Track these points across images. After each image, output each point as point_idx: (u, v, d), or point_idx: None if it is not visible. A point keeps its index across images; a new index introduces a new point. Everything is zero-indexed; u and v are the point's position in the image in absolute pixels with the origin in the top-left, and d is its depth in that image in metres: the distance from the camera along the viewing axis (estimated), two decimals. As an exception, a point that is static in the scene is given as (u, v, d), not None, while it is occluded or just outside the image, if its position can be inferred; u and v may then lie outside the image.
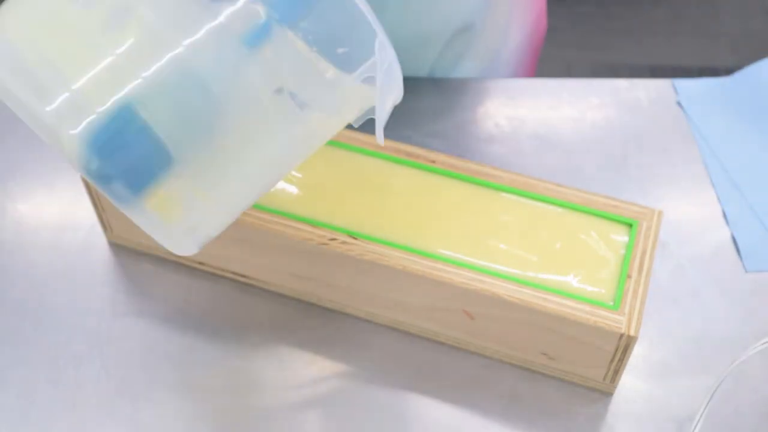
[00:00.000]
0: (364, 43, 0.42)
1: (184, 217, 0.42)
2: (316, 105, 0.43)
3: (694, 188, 0.63)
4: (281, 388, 0.52)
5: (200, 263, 0.57)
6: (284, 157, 0.45)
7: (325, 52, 0.42)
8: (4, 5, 0.40)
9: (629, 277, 0.49)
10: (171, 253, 0.57)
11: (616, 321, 0.47)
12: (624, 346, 0.48)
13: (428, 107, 0.68)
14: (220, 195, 0.43)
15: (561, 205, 0.53)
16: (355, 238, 0.50)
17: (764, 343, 0.50)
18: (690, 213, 0.61)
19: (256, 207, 0.52)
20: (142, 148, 0.39)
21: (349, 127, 0.46)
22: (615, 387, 0.51)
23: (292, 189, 0.53)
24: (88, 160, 0.38)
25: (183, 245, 0.43)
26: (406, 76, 0.71)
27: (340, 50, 0.43)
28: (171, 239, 0.42)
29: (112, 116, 0.38)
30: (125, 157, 0.39)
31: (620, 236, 0.51)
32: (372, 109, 0.45)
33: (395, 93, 0.45)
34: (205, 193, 0.42)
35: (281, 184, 0.53)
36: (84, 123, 0.38)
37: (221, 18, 0.39)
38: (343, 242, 0.50)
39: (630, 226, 0.52)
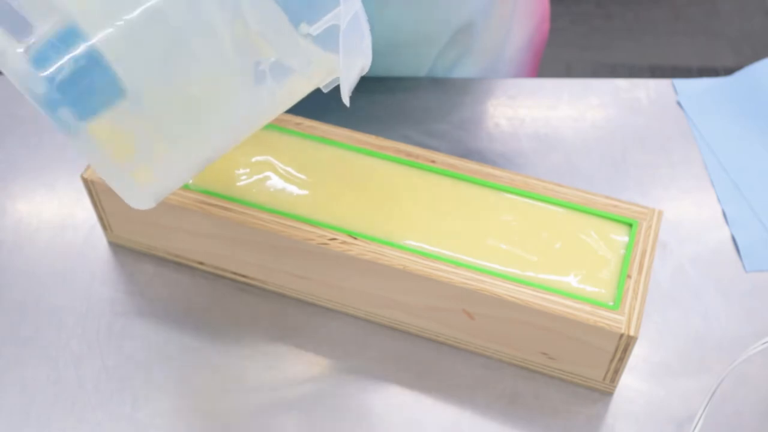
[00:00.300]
0: None
1: (136, 158, 0.41)
2: (279, 51, 0.42)
3: (694, 188, 0.63)
4: (281, 387, 0.52)
5: (200, 263, 0.57)
6: (245, 110, 0.44)
7: None
8: None
9: (629, 277, 0.49)
10: (171, 253, 0.57)
11: (616, 321, 0.47)
12: (624, 346, 0.48)
13: (428, 107, 0.68)
14: (175, 141, 0.42)
15: (561, 205, 0.53)
16: (355, 238, 0.50)
17: (764, 343, 0.50)
18: (690, 213, 0.61)
19: (256, 207, 0.52)
20: (91, 74, 0.38)
21: (318, 95, 0.45)
22: (615, 387, 0.51)
23: (292, 189, 0.53)
24: (34, 82, 0.38)
25: (137, 195, 0.42)
26: (406, 76, 0.71)
27: None
28: (124, 184, 0.41)
29: (62, 38, 0.38)
30: (74, 82, 0.38)
31: (620, 236, 0.51)
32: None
33: (362, 48, 0.43)
34: (159, 134, 0.41)
35: (281, 184, 0.53)
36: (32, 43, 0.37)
37: None
38: (343, 242, 0.50)
39: (630, 226, 0.52)
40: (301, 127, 0.56)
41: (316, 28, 0.42)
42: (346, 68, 0.43)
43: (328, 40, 0.42)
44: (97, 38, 0.38)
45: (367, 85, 0.69)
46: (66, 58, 0.38)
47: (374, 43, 0.66)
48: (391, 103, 0.68)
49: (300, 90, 0.46)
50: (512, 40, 0.75)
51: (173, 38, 0.40)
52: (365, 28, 0.42)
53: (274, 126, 0.56)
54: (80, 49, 0.38)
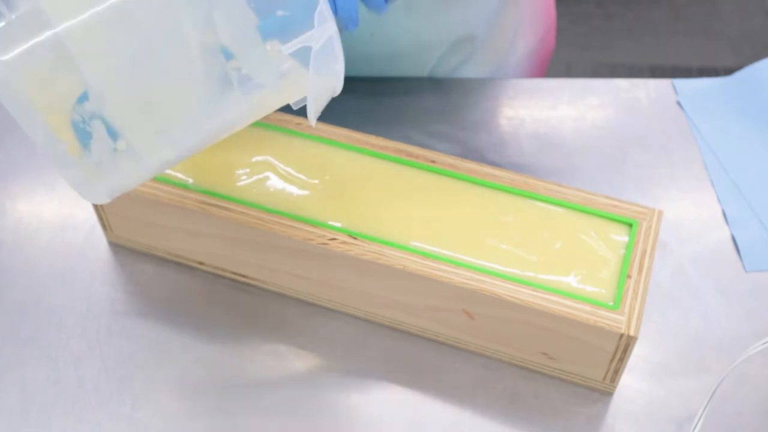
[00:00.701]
0: (306, 11, 0.41)
1: (92, 154, 0.41)
2: (248, 66, 0.42)
3: (694, 188, 0.63)
4: (281, 387, 0.52)
5: (200, 263, 0.57)
6: (209, 118, 0.44)
7: (263, 11, 0.42)
8: None
9: (629, 277, 0.49)
10: (171, 253, 0.57)
11: (616, 321, 0.47)
12: (624, 346, 0.48)
13: (429, 107, 0.68)
14: (133, 142, 0.42)
15: (561, 205, 0.53)
16: (355, 238, 0.50)
17: (764, 343, 0.50)
18: (690, 213, 0.61)
19: (256, 207, 0.52)
20: (55, 66, 0.38)
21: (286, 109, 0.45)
22: (615, 387, 0.51)
23: (292, 189, 0.53)
24: None
25: (90, 189, 0.42)
26: (406, 77, 0.71)
27: (280, 12, 0.42)
28: (76, 178, 0.41)
29: (28, 25, 0.38)
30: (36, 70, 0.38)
31: (620, 236, 0.51)
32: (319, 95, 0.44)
33: (334, 74, 0.43)
34: (119, 133, 0.41)
35: (281, 184, 0.53)
36: None
37: None
38: (343, 242, 0.50)
39: (630, 226, 0.52)
40: (301, 127, 0.56)
41: (288, 48, 0.42)
42: (314, 90, 0.43)
43: (304, 57, 0.42)
44: (62, 28, 0.38)
45: (367, 85, 0.69)
46: (29, 44, 0.38)
47: (374, 50, 0.66)
48: (391, 103, 0.68)
49: (269, 104, 0.45)
50: (516, 49, 0.75)
51: (141, 41, 0.40)
52: (338, 51, 0.42)
53: (274, 126, 0.56)
54: (44, 38, 0.38)
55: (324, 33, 0.41)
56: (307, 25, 0.41)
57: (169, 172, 0.54)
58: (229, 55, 0.42)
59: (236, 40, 0.42)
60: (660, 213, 0.52)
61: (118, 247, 0.59)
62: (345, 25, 0.47)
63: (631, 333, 0.47)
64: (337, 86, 0.44)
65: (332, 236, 0.50)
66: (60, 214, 0.61)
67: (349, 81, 0.70)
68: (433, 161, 0.54)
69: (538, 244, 0.51)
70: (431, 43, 0.68)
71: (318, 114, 0.45)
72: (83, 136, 0.41)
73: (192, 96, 0.42)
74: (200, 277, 0.57)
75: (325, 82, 0.43)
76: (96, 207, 0.56)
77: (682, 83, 0.69)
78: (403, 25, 0.65)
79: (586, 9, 1.85)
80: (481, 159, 0.63)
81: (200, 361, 0.53)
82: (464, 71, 0.72)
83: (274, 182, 0.53)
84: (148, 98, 0.41)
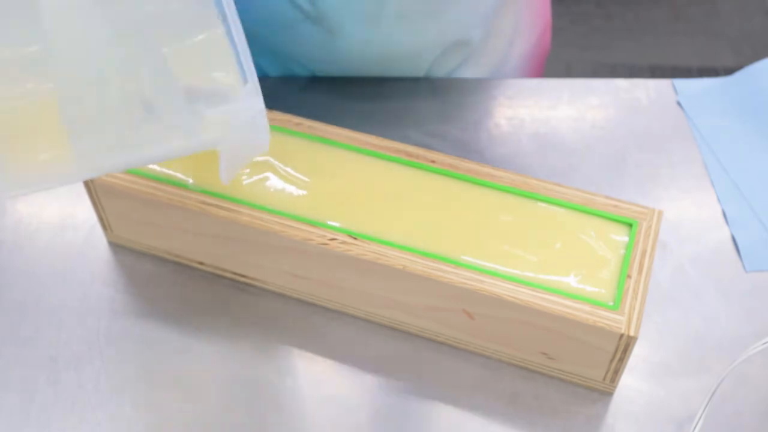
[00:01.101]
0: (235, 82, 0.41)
1: None
2: (166, 119, 0.43)
3: (694, 188, 0.63)
4: (281, 387, 0.52)
5: (200, 263, 0.57)
6: (121, 149, 0.44)
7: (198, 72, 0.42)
8: None
9: (629, 277, 0.49)
10: (171, 253, 0.57)
11: (616, 321, 0.47)
12: (624, 346, 0.48)
13: (428, 107, 0.68)
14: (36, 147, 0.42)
15: (561, 205, 0.53)
16: (355, 238, 0.50)
17: (764, 343, 0.50)
18: (690, 213, 0.61)
19: (256, 207, 0.52)
20: None
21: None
22: (615, 387, 0.51)
23: (292, 189, 0.53)
24: None
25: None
26: (406, 77, 0.71)
27: (216, 74, 0.43)
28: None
29: None
30: None
31: (620, 236, 0.51)
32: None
33: (256, 144, 0.44)
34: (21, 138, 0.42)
35: (281, 184, 0.53)
36: None
37: None
38: (343, 242, 0.50)
39: (630, 226, 0.52)
40: (301, 127, 0.56)
41: (212, 113, 0.42)
42: (231, 157, 0.44)
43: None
44: None
45: (367, 86, 0.69)
46: None
47: (368, 55, 0.67)
48: (391, 103, 0.68)
49: (185, 149, 0.45)
50: (513, 52, 0.75)
51: (64, 76, 0.40)
52: (263, 125, 0.42)
53: (273, 126, 0.56)
54: None
55: (250, 109, 0.42)
56: (232, 94, 0.42)
57: (169, 172, 0.54)
58: (149, 108, 0.42)
59: (159, 97, 0.42)
60: (660, 213, 0.52)
61: (118, 247, 0.59)
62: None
63: (631, 333, 0.47)
64: (258, 154, 0.44)
65: (332, 236, 0.50)
66: (60, 214, 0.61)
67: (349, 81, 0.70)
68: (432, 161, 0.54)
69: (538, 244, 0.51)
70: (425, 47, 0.69)
71: (235, 173, 0.45)
72: None
73: (105, 126, 0.42)
74: (200, 277, 0.57)
75: (245, 150, 0.44)
76: (96, 207, 0.56)
77: (682, 83, 0.69)
78: (397, 31, 0.65)
79: (586, 9, 1.85)
80: (481, 159, 0.63)
81: (200, 361, 0.53)
82: (461, 73, 0.72)
83: (274, 182, 0.53)
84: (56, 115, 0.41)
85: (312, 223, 0.51)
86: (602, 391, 0.52)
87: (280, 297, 0.56)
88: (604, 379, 0.51)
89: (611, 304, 0.48)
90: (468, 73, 0.73)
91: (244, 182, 0.53)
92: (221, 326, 0.55)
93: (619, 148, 0.65)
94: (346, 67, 0.69)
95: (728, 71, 0.72)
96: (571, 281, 0.49)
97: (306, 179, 0.54)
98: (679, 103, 0.68)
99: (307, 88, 0.69)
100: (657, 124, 0.67)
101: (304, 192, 0.53)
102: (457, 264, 0.49)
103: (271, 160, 0.54)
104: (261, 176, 0.54)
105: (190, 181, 0.53)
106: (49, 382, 0.52)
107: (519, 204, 0.53)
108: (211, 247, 0.55)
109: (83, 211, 0.60)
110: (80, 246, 0.59)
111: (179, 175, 0.54)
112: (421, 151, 0.55)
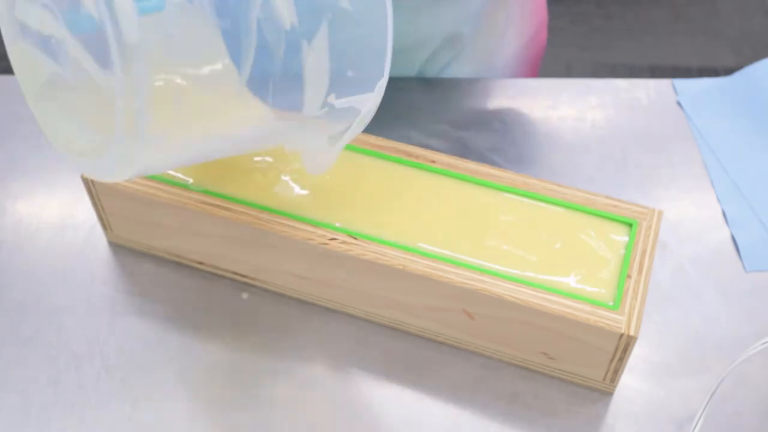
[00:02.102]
0: (371, 78, 0.44)
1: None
2: (286, 134, 0.45)
3: (694, 188, 0.63)
4: (281, 388, 0.52)
5: (200, 263, 0.57)
6: (226, 132, 0.45)
7: (336, 69, 0.44)
8: None
9: (629, 277, 0.49)
10: (171, 253, 0.57)
11: (616, 321, 0.47)
12: (624, 346, 0.48)
13: (428, 107, 0.68)
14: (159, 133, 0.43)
15: (561, 205, 0.53)
16: (355, 238, 0.50)
17: (764, 343, 0.50)
18: (690, 213, 0.61)
19: (256, 207, 0.52)
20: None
21: None
22: (615, 387, 0.51)
23: (293, 189, 0.53)
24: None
25: (110, 167, 0.42)
26: (406, 77, 0.71)
27: (350, 73, 0.45)
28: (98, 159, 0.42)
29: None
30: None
31: (620, 236, 0.51)
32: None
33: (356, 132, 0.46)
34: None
35: (281, 184, 0.53)
36: None
37: None
38: (343, 242, 0.50)
39: (630, 226, 0.52)
40: (301, 127, 0.56)
41: (340, 102, 0.44)
42: (338, 146, 0.46)
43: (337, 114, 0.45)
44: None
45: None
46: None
47: None
48: (391, 103, 0.68)
49: (288, 136, 0.47)
50: (506, 47, 0.75)
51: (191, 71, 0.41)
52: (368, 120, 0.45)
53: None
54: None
55: (376, 101, 0.44)
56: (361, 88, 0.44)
57: (169, 171, 0.54)
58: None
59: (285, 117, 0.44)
60: (660, 213, 0.52)
61: (118, 247, 0.59)
62: None
63: (631, 333, 0.47)
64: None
65: (332, 236, 0.50)
66: (60, 214, 0.61)
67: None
68: (432, 161, 0.54)
69: (538, 244, 0.51)
70: (420, 42, 0.69)
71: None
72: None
73: (228, 116, 0.44)
74: (200, 277, 0.57)
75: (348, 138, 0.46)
76: (96, 207, 0.56)
77: (682, 83, 0.69)
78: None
79: (586, 9, 1.85)
80: (481, 159, 0.63)
81: (200, 361, 0.53)
82: (453, 70, 0.72)
83: (275, 182, 0.53)
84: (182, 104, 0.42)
85: (312, 223, 0.51)
86: (602, 391, 0.52)
87: (280, 297, 0.56)
88: (604, 379, 0.51)
89: (611, 304, 0.48)
90: (459, 69, 0.72)
91: (245, 182, 0.53)
92: (221, 326, 0.55)
93: (619, 148, 0.65)
94: None
95: (728, 71, 0.72)
96: (571, 281, 0.49)
97: (306, 179, 0.54)
98: (679, 103, 0.68)
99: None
100: (657, 124, 0.67)
101: (304, 192, 0.53)
102: (457, 264, 0.49)
103: (272, 160, 0.54)
104: (261, 176, 0.54)
105: (190, 181, 0.53)
106: (49, 382, 0.52)
107: (519, 204, 0.53)
108: (211, 247, 0.55)
109: (83, 211, 0.60)
110: (80, 246, 0.59)
111: (179, 175, 0.54)
112: (421, 151, 0.55)
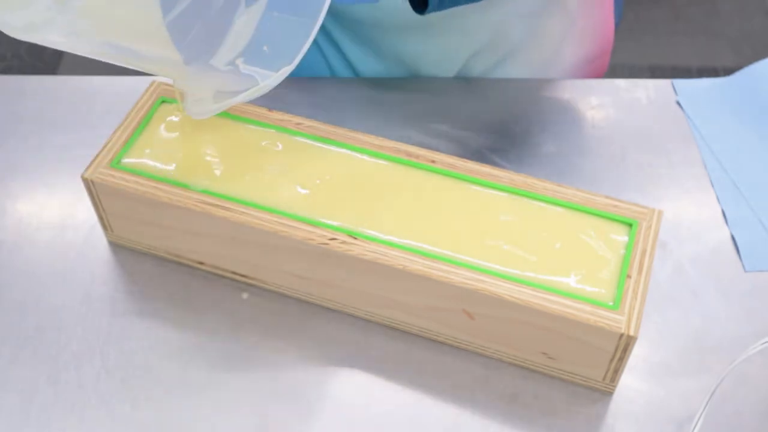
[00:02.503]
0: (281, 58, 0.46)
1: None
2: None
3: (694, 188, 0.63)
4: (281, 387, 0.52)
5: (200, 263, 0.57)
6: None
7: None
8: None
9: (629, 277, 0.49)
10: (171, 253, 0.57)
11: (616, 321, 0.47)
12: (624, 345, 0.48)
13: (428, 107, 0.68)
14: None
15: (561, 205, 0.53)
16: (355, 238, 0.50)
17: (764, 343, 0.50)
18: (690, 213, 0.61)
19: (257, 207, 0.52)
20: None
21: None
22: (615, 387, 0.51)
23: (293, 189, 0.53)
24: None
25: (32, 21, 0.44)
26: (406, 77, 0.71)
27: (265, 48, 0.47)
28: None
29: None
30: None
31: (620, 236, 0.51)
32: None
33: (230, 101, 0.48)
34: None
35: (281, 184, 0.53)
36: None
37: None
38: (343, 242, 0.50)
39: (630, 226, 0.52)
40: (302, 127, 0.56)
41: (244, 68, 0.47)
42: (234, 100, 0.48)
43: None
44: None
45: (367, 85, 0.69)
46: None
47: (402, 48, 0.69)
48: (391, 103, 0.68)
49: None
50: (560, 61, 0.74)
51: None
52: (249, 97, 0.47)
53: (274, 126, 0.56)
54: None
55: (275, 81, 0.46)
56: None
57: (169, 171, 0.54)
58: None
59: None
60: (660, 213, 0.52)
61: (118, 247, 0.59)
62: None
63: (631, 333, 0.47)
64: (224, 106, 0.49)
65: (332, 236, 0.50)
66: (60, 214, 0.61)
67: (349, 82, 0.70)
68: (433, 161, 0.54)
69: (538, 244, 0.51)
70: (466, 35, 0.69)
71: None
72: None
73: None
74: (200, 277, 0.57)
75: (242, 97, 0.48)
76: (96, 207, 0.56)
77: (682, 83, 0.69)
78: (421, 48, 0.67)
79: (586, 9, 1.85)
80: (481, 159, 0.63)
81: (200, 361, 0.53)
82: (499, 72, 0.72)
83: (274, 182, 0.53)
84: None
85: (312, 223, 0.51)
86: (602, 391, 0.52)
87: (280, 297, 0.56)
88: (604, 379, 0.51)
89: (611, 304, 0.48)
90: (505, 72, 0.73)
91: (244, 182, 0.53)
92: (221, 326, 0.55)
93: (619, 148, 0.65)
94: (382, 63, 0.71)
95: (728, 71, 0.72)
96: (571, 281, 0.49)
97: (306, 179, 0.54)
98: (679, 103, 0.68)
99: (306, 89, 0.69)
100: (657, 124, 0.67)
101: (304, 192, 0.53)
102: (457, 264, 0.49)
103: (272, 160, 0.54)
104: (261, 176, 0.54)
105: (190, 181, 0.53)
106: (49, 382, 0.52)
107: (519, 204, 0.53)
108: (211, 247, 0.55)
109: (83, 211, 0.60)
110: (80, 246, 0.59)
111: (179, 176, 0.54)
112: (421, 151, 0.55)
